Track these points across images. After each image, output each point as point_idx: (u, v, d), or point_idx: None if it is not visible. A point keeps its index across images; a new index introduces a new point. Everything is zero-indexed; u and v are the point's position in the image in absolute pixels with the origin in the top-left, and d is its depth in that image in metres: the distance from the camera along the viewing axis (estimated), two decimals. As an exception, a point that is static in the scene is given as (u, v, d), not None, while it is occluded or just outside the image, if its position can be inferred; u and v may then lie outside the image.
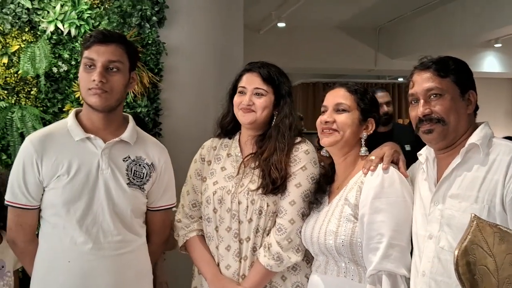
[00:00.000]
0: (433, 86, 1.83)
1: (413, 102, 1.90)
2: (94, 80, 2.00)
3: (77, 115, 2.14)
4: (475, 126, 1.86)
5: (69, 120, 2.11)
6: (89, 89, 2.02)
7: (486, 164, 1.76)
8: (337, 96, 2.10)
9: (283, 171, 2.15)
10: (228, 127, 2.36)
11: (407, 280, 1.87)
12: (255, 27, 8.02)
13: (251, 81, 2.24)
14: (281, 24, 7.55)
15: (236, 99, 2.26)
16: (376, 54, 8.86)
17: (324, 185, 2.16)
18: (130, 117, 2.22)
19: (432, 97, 1.84)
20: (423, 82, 1.85)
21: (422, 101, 1.85)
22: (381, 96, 4.04)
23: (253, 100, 2.21)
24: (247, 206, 2.16)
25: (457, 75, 1.84)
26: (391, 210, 1.89)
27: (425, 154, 1.97)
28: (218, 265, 2.22)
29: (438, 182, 1.87)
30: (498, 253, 1.03)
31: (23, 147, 2.09)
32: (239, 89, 2.26)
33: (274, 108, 2.24)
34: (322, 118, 2.09)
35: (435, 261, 1.78)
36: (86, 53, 2.05)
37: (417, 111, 1.86)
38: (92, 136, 2.07)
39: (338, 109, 2.07)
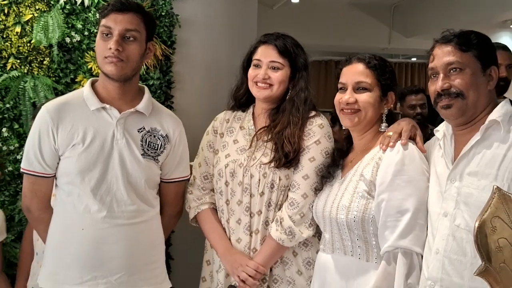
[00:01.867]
0: (454, 60, 1.78)
1: (432, 77, 1.86)
2: (110, 48, 2.00)
3: (93, 84, 2.14)
4: (496, 103, 1.82)
5: (85, 89, 2.11)
6: (105, 58, 2.02)
7: (507, 142, 1.73)
8: (356, 73, 2.03)
9: (296, 145, 2.13)
10: (242, 99, 2.34)
11: (421, 259, 1.86)
12: (269, 2, 7.94)
13: (266, 54, 2.20)
14: (295, 0, 7.46)
15: (251, 72, 2.23)
16: (391, 32, 8.75)
17: (338, 159, 2.13)
18: (146, 88, 2.21)
19: (452, 71, 1.79)
20: (443, 56, 1.81)
21: (441, 75, 1.81)
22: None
23: (269, 74, 2.18)
24: (259, 180, 2.15)
25: (479, 49, 1.79)
26: (412, 188, 1.86)
27: (443, 130, 1.93)
28: (229, 238, 2.22)
29: (455, 159, 1.83)
30: None
31: (39, 115, 2.09)
32: (254, 61, 2.23)
33: (289, 81, 2.21)
34: (343, 98, 2.02)
35: (450, 239, 1.76)
36: (103, 21, 2.05)
37: (436, 85, 1.82)
38: (107, 106, 2.07)
39: (359, 88, 2.02)
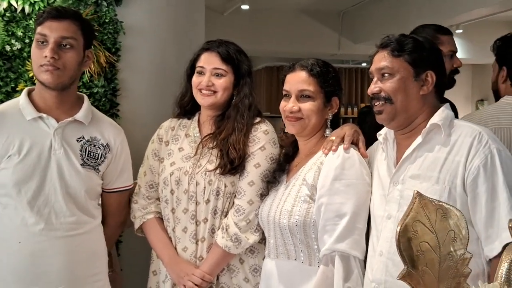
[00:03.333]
0: (384, 65, 1.81)
1: (372, 80, 1.90)
2: (45, 57, 1.96)
3: (30, 94, 2.08)
4: (437, 107, 1.85)
5: (21, 98, 2.06)
6: (41, 66, 1.98)
7: (447, 145, 1.76)
8: (299, 82, 2.04)
9: (241, 151, 2.13)
10: (187, 107, 2.32)
11: (361, 262, 1.87)
12: (219, 9, 7.94)
13: (209, 61, 2.19)
14: (244, 7, 7.48)
15: (195, 79, 2.21)
16: (340, 39, 8.87)
17: (283, 164, 2.14)
18: (85, 97, 2.17)
19: (384, 76, 1.82)
20: (378, 61, 1.84)
21: (375, 79, 1.85)
22: None
23: (212, 81, 2.17)
24: (205, 187, 2.13)
25: (412, 54, 1.81)
26: (350, 192, 1.88)
27: (385, 134, 1.96)
28: (175, 247, 2.19)
29: (398, 162, 1.86)
30: (440, 230, 1.04)
31: None
32: (197, 69, 2.22)
33: (234, 88, 2.21)
34: (287, 106, 2.04)
35: (393, 241, 1.75)
36: (38, 29, 2.01)
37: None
38: (44, 115, 2.02)
39: (302, 96, 2.03)
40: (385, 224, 1.83)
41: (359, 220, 1.88)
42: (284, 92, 2.08)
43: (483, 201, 1.68)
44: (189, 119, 2.32)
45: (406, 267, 1.03)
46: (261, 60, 9.49)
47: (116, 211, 2.24)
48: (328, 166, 1.92)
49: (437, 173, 1.74)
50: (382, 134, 1.98)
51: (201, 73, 2.20)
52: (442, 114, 1.81)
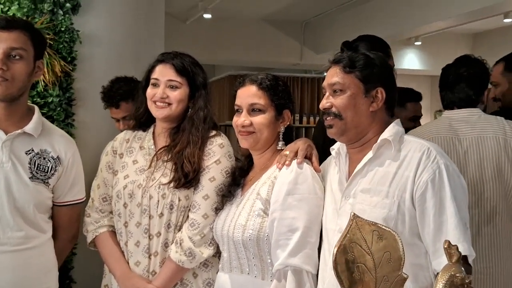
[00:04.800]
0: (336, 81, 1.84)
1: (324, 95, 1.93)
2: None
3: None
4: (387, 122, 1.88)
5: None
6: None
7: (397, 160, 1.79)
8: (249, 96, 2.04)
9: (196, 165, 2.11)
10: (142, 119, 2.29)
11: (313, 277, 1.88)
12: (182, 17, 7.92)
13: (164, 73, 2.17)
14: (207, 15, 7.49)
15: (149, 91, 2.19)
16: (302, 49, 8.96)
17: (238, 178, 2.14)
18: (36, 108, 2.12)
19: (336, 92, 1.85)
20: (330, 76, 1.87)
21: (327, 94, 1.87)
22: None
23: (167, 93, 2.16)
24: (158, 201, 2.11)
25: (363, 71, 1.83)
26: (303, 207, 1.89)
27: (338, 148, 1.98)
28: (127, 262, 2.16)
29: (350, 176, 1.88)
30: (376, 251, 1.05)
31: None
32: (152, 81, 2.19)
33: (188, 100, 2.20)
34: (238, 121, 2.04)
35: None
36: None
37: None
38: None
39: (253, 109, 2.04)
40: (336, 237, 1.83)
41: (311, 235, 1.89)
42: (235, 107, 2.09)
43: (431, 216, 1.71)
44: (144, 131, 2.30)
45: (342, 288, 1.04)
46: (224, 69, 9.49)
47: (67, 225, 2.20)
48: (282, 180, 1.93)
49: (387, 187, 1.77)
50: (335, 148, 1.99)
51: (155, 85, 2.18)
52: (392, 129, 1.84)
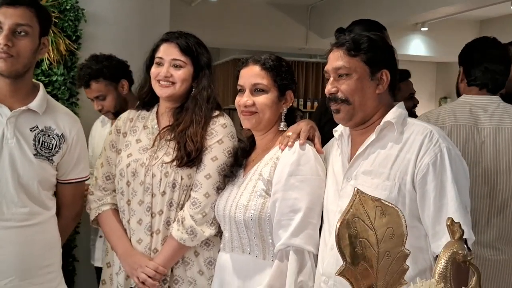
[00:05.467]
0: (341, 65, 1.81)
1: (327, 79, 1.90)
2: None
3: None
4: (391, 105, 1.87)
5: None
6: None
7: (399, 143, 1.78)
8: (252, 76, 2.04)
9: (198, 144, 2.12)
10: (146, 98, 2.30)
11: (315, 257, 1.89)
12: (187, -1, 7.89)
13: (168, 52, 2.17)
14: (213, -3, 7.46)
15: (153, 70, 2.19)
16: (307, 33, 8.91)
17: (240, 159, 2.14)
18: (41, 85, 2.12)
19: (340, 76, 1.82)
20: (334, 60, 1.83)
21: (331, 79, 1.84)
22: None
23: (171, 72, 2.15)
24: (161, 179, 2.12)
25: (368, 53, 1.81)
26: (305, 188, 1.89)
27: (340, 130, 1.97)
28: (130, 239, 2.17)
29: (352, 159, 1.88)
30: (379, 227, 1.06)
31: None
32: (156, 59, 2.19)
33: (192, 80, 2.20)
34: (241, 101, 2.04)
35: None
36: None
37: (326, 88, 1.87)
38: None
39: (256, 89, 2.03)
40: (337, 218, 1.84)
41: (313, 215, 1.89)
42: (238, 87, 2.08)
43: (431, 199, 1.71)
44: (148, 110, 2.30)
45: (345, 263, 1.04)
46: (229, 52, 9.47)
47: (71, 202, 2.20)
48: (284, 161, 1.94)
49: (388, 170, 1.77)
50: (338, 130, 1.99)
51: (159, 64, 2.18)
52: (396, 112, 1.83)
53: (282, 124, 2.07)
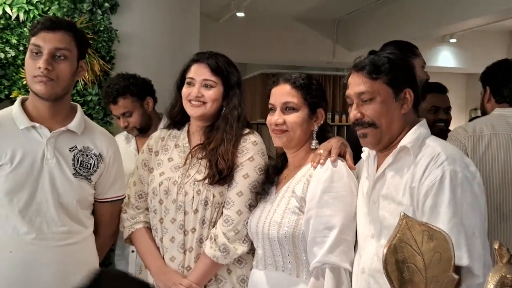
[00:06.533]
0: (364, 90, 1.78)
1: (349, 104, 1.87)
2: (39, 68, 1.97)
3: (23, 103, 2.09)
4: (416, 122, 1.83)
5: (14, 107, 2.07)
6: (34, 77, 1.99)
7: (412, 166, 1.75)
8: (283, 94, 2.05)
9: (229, 162, 2.14)
10: (177, 117, 2.33)
11: (350, 274, 1.88)
12: (215, 16, 7.96)
13: (199, 72, 2.20)
14: (240, 14, 7.50)
15: (185, 90, 2.22)
16: (335, 46, 8.91)
17: (272, 176, 2.16)
18: (79, 106, 2.18)
19: (365, 100, 1.79)
20: (355, 85, 1.81)
21: (354, 104, 1.82)
22: None
23: (202, 92, 2.19)
24: (193, 197, 2.14)
25: (389, 75, 1.78)
26: (339, 205, 1.90)
27: (367, 151, 1.96)
28: (163, 257, 2.20)
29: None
30: (427, 251, 1.04)
31: None
32: (187, 80, 2.23)
33: (223, 99, 2.23)
34: (272, 120, 2.06)
35: (375, 258, 1.78)
36: (33, 40, 2.01)
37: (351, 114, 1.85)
38: (37, 124, 2.03)
39: (287, 108, 2.05)
40: (368, 242, 1.83)
41: (348, 232, 1.89)
42: (269, 106, 2.10)
43: (425, 220, 1.63)
44: (179, 129, 2.34)
45: (392, 288, 1.03)
46: (256, 67, 9.51)
47: (108, 221, 2.25)
48: (317, 178, 1.94)
49: (401, 194, 1.74)
50: (365, 151, 1.98)
51: (190, 84, 2.21)
52: (414, 134, 1.79)
53: (314, 142, 2.08)
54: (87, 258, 2.15)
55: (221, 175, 2.13)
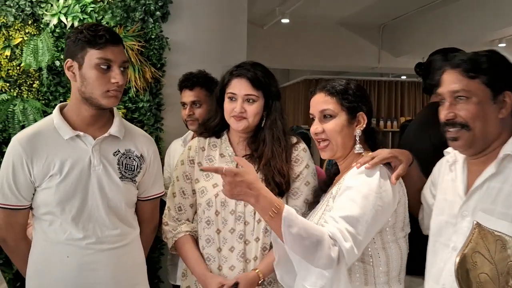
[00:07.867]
0: (459, 88, 1.67)
1: (441, 102, 1.75)
2: (114, 82, 2.01)
3: (61, 110, 2.12)
4: None
5: (55, 117, 2.09)
6: (108, 91, 2.03)
7: None
8: (319, 103, 2.02)
9: (286, 177, 2.17)
10: (216, 128, 2.33)
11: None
12: (259, 22, 7.99)
13: (241, 87, 2.20)
14: (285, 20, 7.52)
15: (227, 105, 2.22)
16: (380, 52, 8.82)
17: (324, 187, 2.14)
18: (115, 110, 2.20)
19: (458, 99, 1.67)
20: (450, 82, 1.69)
21: (447, 103, 1.70)
22: None
23: (245, 107, 2.19)
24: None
25: (489, 75, 1.65)
26: (359, 200, 1.79)
27: (454, 153, 1.81)
28: (220, 267, 2.20)
29: (468, 190, 1.70)
30: (500, 261, 1.01)
31: (11, 147, 2.06)
32: (228, 94, 2.22)
33: (264, 109, 2.24)
34: (312, 129, 2.03)
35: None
36: (100, 54, 2.00)
37: (442, 113, 1.73)
38: (81, 133, 2.07)
39: (325, 116, 2.00)
40: (450, 255, 1.60)
41: (361, 228, 1.75)
42: (311, 116, 2.06)
43: None
44: (217, 137, 2.34)
45: (466, 297, 1.00)
46: (299, 73, 9.50)
47: (150, 217, 2.31)
48: (348, 176, 1.90)
49: None
50: (450, 152, 1.85)
51: (232, 98, 2.21)
52: None
53: (357, 147, 2.00)
54: (136, 259, 2.21)
55: (280, 188, 2.15)
